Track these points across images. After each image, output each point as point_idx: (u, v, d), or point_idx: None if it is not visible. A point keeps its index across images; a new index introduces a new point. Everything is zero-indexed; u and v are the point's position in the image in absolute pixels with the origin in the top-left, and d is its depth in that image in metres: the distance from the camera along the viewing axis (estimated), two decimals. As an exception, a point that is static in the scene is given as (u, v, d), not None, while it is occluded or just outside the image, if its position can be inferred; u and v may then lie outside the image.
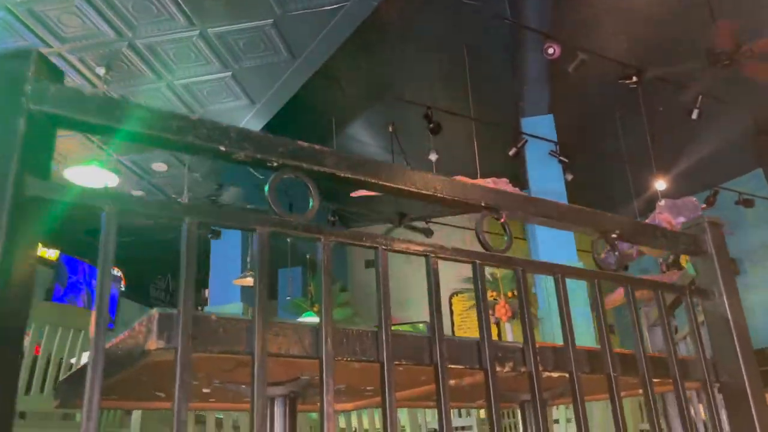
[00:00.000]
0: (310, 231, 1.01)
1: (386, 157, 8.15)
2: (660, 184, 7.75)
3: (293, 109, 6.41)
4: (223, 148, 0.92)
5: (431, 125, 5.92)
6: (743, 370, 1.44)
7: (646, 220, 6.56)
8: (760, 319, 10.25)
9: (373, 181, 1.12)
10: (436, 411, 1.06)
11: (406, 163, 8.17)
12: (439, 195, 1.23)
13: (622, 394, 1.64)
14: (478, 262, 1.21)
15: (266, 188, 0.97)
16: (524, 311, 1.28)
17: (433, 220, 10.10)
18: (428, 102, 6.23)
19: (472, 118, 6.49)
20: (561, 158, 6.55)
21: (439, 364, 1.09)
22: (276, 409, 1.22)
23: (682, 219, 5.89)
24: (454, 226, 10.65)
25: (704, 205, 8.30)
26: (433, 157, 7.67)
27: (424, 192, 1.20)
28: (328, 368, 0.94)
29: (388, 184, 1.14)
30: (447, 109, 6.22)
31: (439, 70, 7.06)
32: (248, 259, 7.02)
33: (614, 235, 1.45)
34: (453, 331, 10.93)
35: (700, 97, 6.08)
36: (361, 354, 1.02)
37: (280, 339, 0.95)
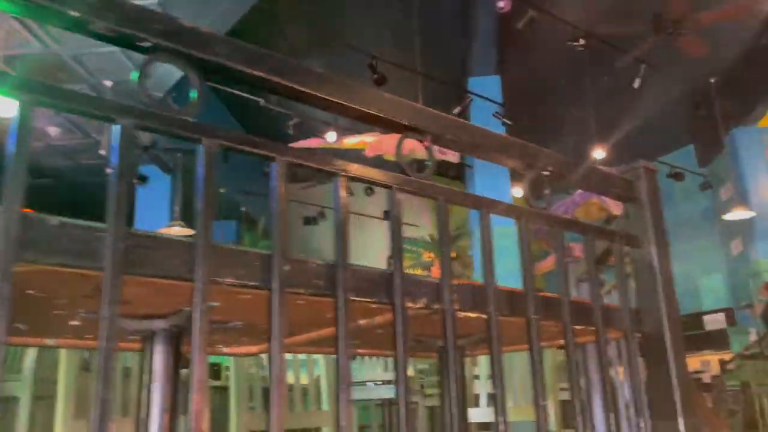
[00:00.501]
0: (192, 130, 0.83)
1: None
2: (598, 153, 7.83)
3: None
4: (76, 14, 0.73)
5: (376, 76, 5.73)
6: (665, 320, 1.37)
7: (579, 191, 6.64)
8: (680, 288, 10.65)
9: (276, 80, 0.95)
10: (350, 360, 0.94)
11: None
12: (357, 107, 1.08)
13: (544, 343, 1.55)
14: (395, 186, 1.08)
15: (135, 74, 0.80)
16: (444, 243, 1.17)
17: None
18: (375, 51, 6.02)
19: (419, 72, 6.32)
20: (505, 120, 6.49)
21: (341, 297, 0.96)
22: (156, 346, 1.07)
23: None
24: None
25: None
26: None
27: (341, 102, 1.05)
28: (202, 293, 0.79)
29: (295, 86, 0.98)
30: (393, 60, 6.03)
31: (387, 19, 6.83)
32: (175, 207, 6.72)
33: (546, 172, 1.34)
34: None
35: (642, 66, 6.10)
36: (249, 279, 0.88)
37: (149, 254, 0.79)
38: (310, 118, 6.90)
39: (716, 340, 9.91)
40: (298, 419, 2.14)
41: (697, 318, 10.32)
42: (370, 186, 7.16)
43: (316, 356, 2.38)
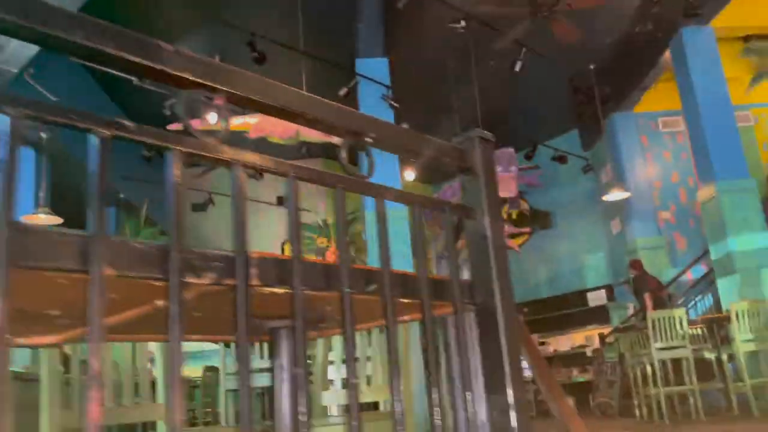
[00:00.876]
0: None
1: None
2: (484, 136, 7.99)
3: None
4: None
5: (255, 54, 5.49)
6: (497, 291, 1.33)
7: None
8: (566, 267, 11.18)
9: (125, 57, 0.81)
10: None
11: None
12: (214, 85, 0.96)
13: (367, 324, 1.47)
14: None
15: None
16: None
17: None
18: (256, 30, 5.79)
19: (303, 52, 6.15)
20: (392, 103, 6.46)
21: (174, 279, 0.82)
22: None
23: (498, 168, 6.09)
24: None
25: (528, 164, 8.75)
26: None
27: (196, 80, 0.92)
28: None
29: (147, 64, 0.84)
30: (276, 39, 5.82)
31: (271, -2, 6.60)
32: (40, 194, 6.19)
33: (368, 139, 1.25)
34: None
35: (523, 50, 6.24)
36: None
37: None
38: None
39: (599, 316, 10.47)
40: (127, 414, 1.96)
41: (581, 295, 10.86)
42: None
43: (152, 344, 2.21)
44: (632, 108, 9.51)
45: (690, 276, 8.68)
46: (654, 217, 9.37)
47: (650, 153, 9.65)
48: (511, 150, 6.05)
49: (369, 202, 6.48)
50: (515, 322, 1.34)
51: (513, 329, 1.33)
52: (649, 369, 6.28)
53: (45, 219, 5.78)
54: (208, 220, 10.60)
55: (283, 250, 10.51)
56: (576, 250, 10.99)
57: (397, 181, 6.68)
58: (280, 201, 10.70)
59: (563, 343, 11.22)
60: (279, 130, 5.93)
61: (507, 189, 5.81)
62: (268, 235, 9.75)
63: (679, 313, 6.17)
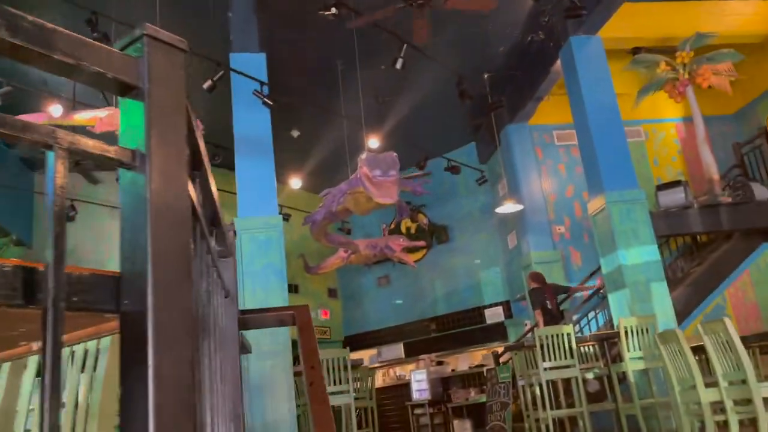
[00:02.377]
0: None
1: (83, 89, 6.65)
2: (373, 143, 7.50)
3: None
4: None
5: (95, 35, 4.73)
6: (149, 258, 0.75)
7: (351, 177, 6.19)
8: (462, 282, 10.84)
9: None
10: None
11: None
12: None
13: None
14: None
15: None
16: None
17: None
18: (102, 9, 5.03)
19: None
20: (265, 99, 5.82)
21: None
22: None
23: (377, 172, 5.55)
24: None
25: (418, 172, 8.31)
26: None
27: None
28: None
29: None
30: (126, 21, 5.07)
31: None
32: None
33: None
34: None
35: (405, 45, 5.80)
36: None
37: None
38: (28, 90, 5.67)
39: (496, 333, 10.16)
40: None
41: (479, 312, 10.54)
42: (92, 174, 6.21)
43: None
44: (527, 120, 9.32)
45: (586, 293, 8.48)
46: (549, 231, 9.17)
47: (545, 166, 9.49)
48: (392, 154, 5.55)
49: None
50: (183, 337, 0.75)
51: (179, 349, 0.74)
52: (538, 390, 5.90)
53: None
54: (71, 231, 9.53)
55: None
56: (473, 266, 10.68)
57: (273, 191, 6.03)
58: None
59: (462, 362, 10.84)
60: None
61: (387, 194, 5.27)
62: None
63: (567, 329, 5.84)
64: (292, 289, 11.14)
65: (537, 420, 6.06)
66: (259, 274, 5.63)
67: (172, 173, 0.79)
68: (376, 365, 11.40)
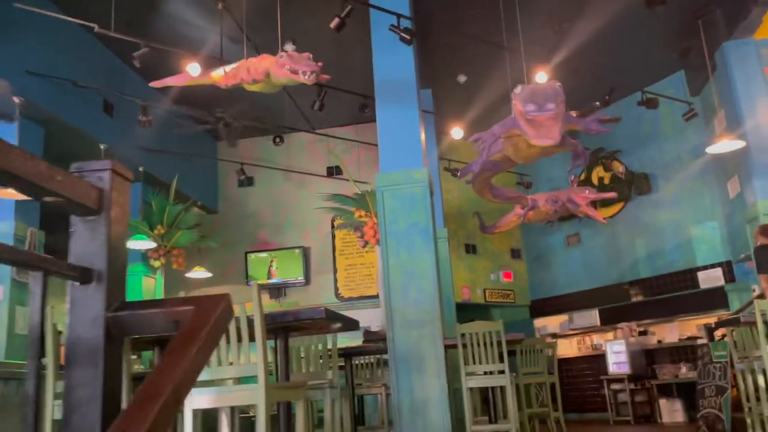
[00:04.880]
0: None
1: (226, 44, 6.53)
2: (541, 77, 6.34)
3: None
4: None
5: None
6: None
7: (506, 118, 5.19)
8: (669, 240, 9.17)
9: None
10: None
11: (256, 51, 6.55)
12: None
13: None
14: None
15: None
16: None
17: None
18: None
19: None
20: (402, 35, 5.05)
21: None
22: None
23: (531, 107, 4.49)
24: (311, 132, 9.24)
25: (597, 104, 6.97)
26: (289, 47, 6.10)
27: None
28: None
29: None
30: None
31: None
32: None
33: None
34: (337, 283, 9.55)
35: None
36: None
37: None
38: (165, 50, 5.55)
39: (714, 300, 8.43)
40: None
41: (691, 275, 8.86)
42: (279, 136, 6.03)
43: None
44: (751, 33, 7.34)
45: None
46: (784, 174, 7.22)
47: (778, 91, 7.46)
48: (554, 83, 4.46)
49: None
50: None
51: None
52: (761, 380, 4.50)
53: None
54: (252, 196, 9.83)
55: (333, 226, 9.42)
56: (682, 220, 8.95)
57: (418, 142, 5.28)
58: (330, 172, 9.64)
59: (670, 332, 9.26)
60: (251, 75, 4.83)
61: (546, 134, 4.22)
62: (316, 208, 8.74)
63: (805, 302, 4.32)
64: (470, 249, 10.38)
65: (761, 416, 4.66)
66: (402, 235, 4.97)
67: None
68: (568, 332, 10.25)
